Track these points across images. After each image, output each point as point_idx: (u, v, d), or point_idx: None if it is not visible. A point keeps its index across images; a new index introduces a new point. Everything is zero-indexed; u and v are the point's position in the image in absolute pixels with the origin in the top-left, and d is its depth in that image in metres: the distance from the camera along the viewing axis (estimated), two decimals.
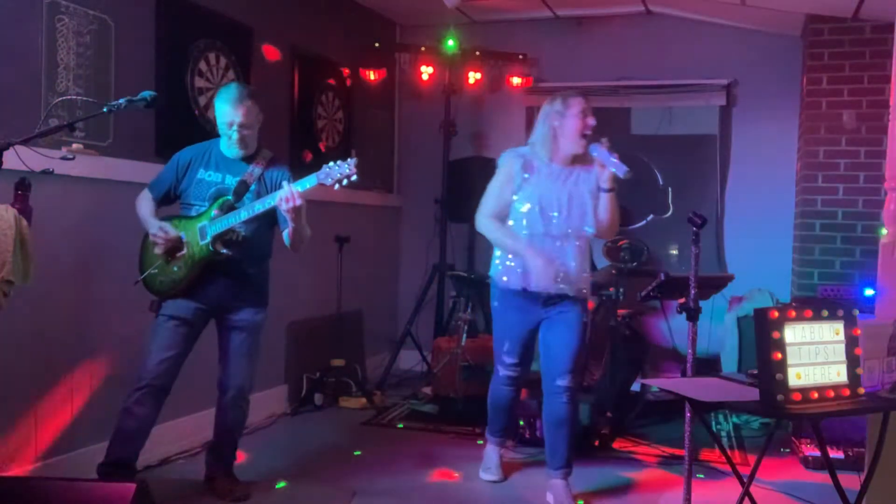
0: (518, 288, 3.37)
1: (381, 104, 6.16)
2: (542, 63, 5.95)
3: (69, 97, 3.29)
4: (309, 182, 3.07)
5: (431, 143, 5.90)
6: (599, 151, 3.25)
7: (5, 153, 2.52)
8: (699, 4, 5.31)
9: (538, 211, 3.31)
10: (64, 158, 2.74)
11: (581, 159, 3.36)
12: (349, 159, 3.04)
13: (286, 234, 3.22)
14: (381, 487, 3.61)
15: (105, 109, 2.84)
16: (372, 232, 5.96)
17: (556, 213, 3.31)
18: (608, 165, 3.24)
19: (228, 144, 3.27)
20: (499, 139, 5.89)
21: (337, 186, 3.03)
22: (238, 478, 3.45)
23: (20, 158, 2.59)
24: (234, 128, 3.21)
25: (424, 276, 5.80)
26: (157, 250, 3.20)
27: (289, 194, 3.04)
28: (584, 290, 3.42)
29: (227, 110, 3.20)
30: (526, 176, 3.35)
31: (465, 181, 5.61)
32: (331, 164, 3.05)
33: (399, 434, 4.51)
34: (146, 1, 3.77)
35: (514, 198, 3.36)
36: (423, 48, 5.83)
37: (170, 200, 3.35)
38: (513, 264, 3.37)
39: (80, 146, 3.21)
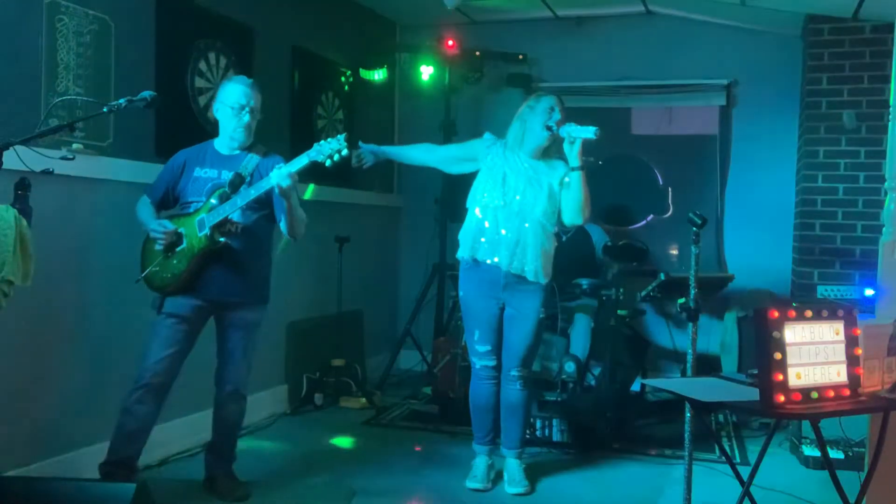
0: (470, 257, 3.57)
1: (381, 104, 6.16)
2: (542, 63, 5.95)
3: (69, 97, 3.29)
4: (300, 161, 3.08)
5: (432, 144, 5.88)
6: (567, 128, 3.43)
7: (5, 153, 2.52)
8: (699, 4, 5.31)
9: (500, 182, 3.52)
10: (64, 158, 2.74)
11: (548, 155, 3.58)
12: (339, 135, 3.07)
13: (283, 222, 3.25)
14: (381, 487, 3.61)
15: (105, 109, 2.84)
16: (372, 232, 5.97)
17: (515, 190, 3.51)
18: (577, 134, 3.38)
19: (234, 129, 3.27)
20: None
21: (329, 163, 3.05)
22: (238, 477, 3.45)
23: (20, 158, 2.59)
24: (246, 110, 3.25)
25: (424, 276, 5.80)
26: (158, 246, 3.21)
27: (282, 175, 3.05)
28: (542, 275, 3.53)
29: (244, 91, 3.25)
30: (489, 154, 3.61)
31: (465, 181, 5.59)
32: (321, 141, 3.07)
33: (399, 434, 4.51)
34: (146, 1, 3.77)
35: (480, 167, 3.62)
36: (423, 48, 5.83)
37: (169, 204, 3.36)
38: (482, 239, 3.56)
39: (80, 146, 3.22)
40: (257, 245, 3.34)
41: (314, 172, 3.21)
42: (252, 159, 3.29)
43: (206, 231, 3.15)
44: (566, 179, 3.50)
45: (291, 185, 3.09)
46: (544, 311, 3.61)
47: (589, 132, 3.33)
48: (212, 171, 3.29)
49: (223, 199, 3.17)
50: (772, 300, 4.83)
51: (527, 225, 3.50)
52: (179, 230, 3.21)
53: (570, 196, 3.48)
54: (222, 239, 3.17)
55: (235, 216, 3.19)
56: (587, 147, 3.40)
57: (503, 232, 3.50)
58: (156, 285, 3.24)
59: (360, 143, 3.78)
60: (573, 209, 3.48)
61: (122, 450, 3.17)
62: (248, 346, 3.39)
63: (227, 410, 3.40)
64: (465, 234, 3.63)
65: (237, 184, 3.22)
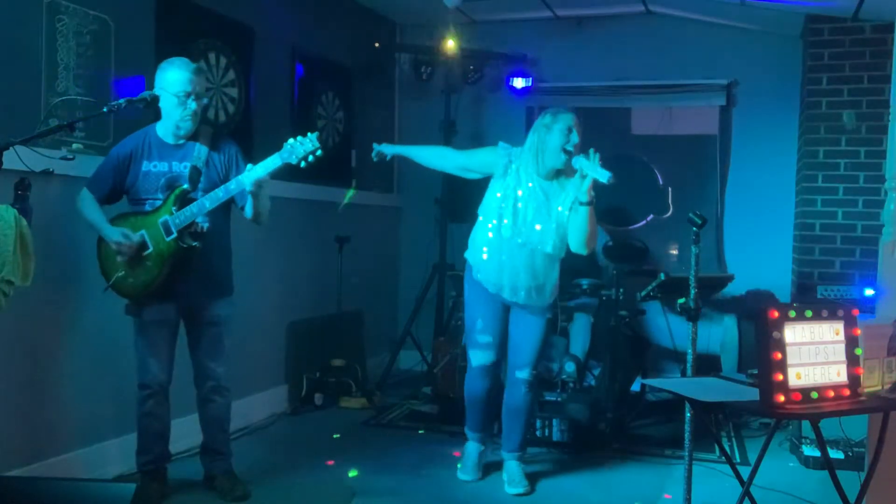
0: (482, 283, 3.53)
1: (381, 104, 6.16)
2: (542, 63, 5.95)
3: (69, 97, 3.29)
4: (273, 163, 3.05)
5: (431, 144, 5.88)
6: (582, 162, 3.26)
7: (5, 153, 2.53)
8: (699, 4, 5.31)
9: (512, 210, 3.43)
10: (64, 158, 2.75)
11: (564, 175, 3.46)
12: (310, 134, 3.03)
13: (249, 208, 3.19)
14: (381, 487, 3.61)
15: (105, 109, 2.85)
16: (372, 232, 5.96)
17: (524, 222, 3.43)
18: (590, 173, 3.23)
19: (181, 118, 3.15)
20: (499, 139, 5.85)
21: (303, 164, 3.02)
22: (238, 477, 3.45)
23: (20, 158, 2.60)
24: (192, 98, 3.14)
25: (424, 276, 5.80)
26: (121, 258, 3.11)
27: (253, 181, 3.03)
28: (550, 301, 3.56)
29: (188, 78, 3.12)
30: (507, 174, 3.49)
31: (465, 181, 5.59)
32: (291, 140, 3.03)
33: (399, 434, 4.50)
34: (146, 1, 3.77)
35: (498, 195, 3.49)
36: (423, 48, 5.84)
37: (115, 198, 3.26)
38: (486, 257, 3.52)
39: (80, 146, 3.22)
40: (219, 239, 3.30)
41: (314, 171, 3.19)
42: (202, 150, 3.21)
43: (175, 235, 3.09)
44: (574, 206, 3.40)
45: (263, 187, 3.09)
46: (551, 311, 3.62)
47: (603, 176, 3.19)
48: (162, 165, 3.19)
49: (183, 199, 3.11)
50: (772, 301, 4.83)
51: (534, 257, 3.46)
52: (140, 233, 3.12)
53: (575, 226, 3.38)
54: (194, 243, 3.12)
55: (200, 218, 3.14)
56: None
57: (508, 261, 3.47)
58: (126, 292, 3.19)
59: (375, 145, 3.72)
60: (578, 240, 3.40)
61: (156, 448, 3.31)
62: (225, 339, 3.38)
63: (213, 405, 3.39)
64: (472, 242, 3.60)
65: (195, 180, 3.17)
